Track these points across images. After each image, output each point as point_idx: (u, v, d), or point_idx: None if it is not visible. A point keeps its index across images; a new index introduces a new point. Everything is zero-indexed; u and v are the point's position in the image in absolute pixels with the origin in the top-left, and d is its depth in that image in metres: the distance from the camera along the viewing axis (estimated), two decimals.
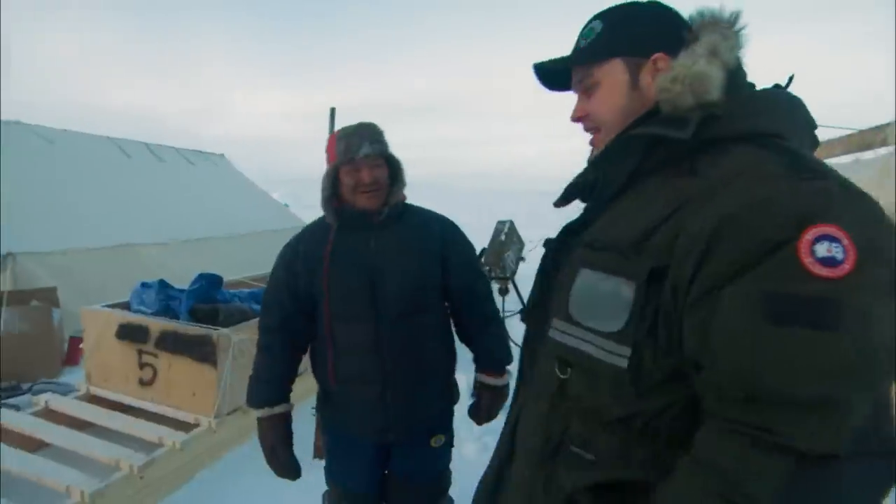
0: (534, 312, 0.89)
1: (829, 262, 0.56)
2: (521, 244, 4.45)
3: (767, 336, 0.57)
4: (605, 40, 0.80)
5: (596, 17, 0.82)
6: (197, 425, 2.57)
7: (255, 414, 1.51)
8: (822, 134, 0.79)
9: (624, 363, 0.68)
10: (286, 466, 1.52)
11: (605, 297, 0.71)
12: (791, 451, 0.57)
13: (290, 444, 1.53)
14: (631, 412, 0.70)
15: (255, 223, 6.39)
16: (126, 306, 2.95)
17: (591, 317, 0.72)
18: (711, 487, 0.61)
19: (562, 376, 0.77)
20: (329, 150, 1.48)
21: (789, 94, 0.75)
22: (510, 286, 4.19)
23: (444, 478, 1.65)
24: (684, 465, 0.65)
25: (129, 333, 2.70)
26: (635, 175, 0.77)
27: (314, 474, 2.62)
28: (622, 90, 0.80)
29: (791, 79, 0.75)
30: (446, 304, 1.60)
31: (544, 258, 0.94)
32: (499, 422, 2.02)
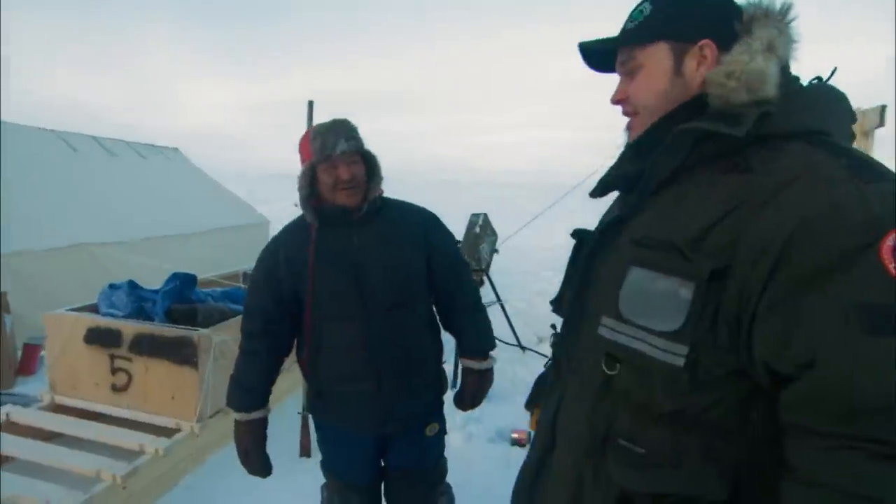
0: (572, 307, 0.89)
1: None
2: (494, 236, 4.51)
3: (868, 348, 0.57)
4: (651, 23, 0.79)
5: (646, 0, 0.81)
6: (178, 430, 2.48)
7: (234, 416, 1.53)
8: None
9: (680, 362, 0.68)
10: (257, 468, 1.57)
11: (660, 296, 0.70)
12: None
13: (263, 448, 1.57)
14: (682, 406, 0.70)
15: (216, 219, 6.17)
16: (93, 309, 2.80)
17: (644, 315, 0.72)
18: None
19: (609, 372, 0.77)
20: (303, 148, 1.46)
21: (833, 88, 0.75)
22: (485, 278, 4.24)
23: (440, 465, 1.68)
24: (795, 489, 0.63)
25: (99, 338, 2.56)
26: (681, 170, 0.76)
27: (301, 473, 2.60)
28: (665, 75, 0.78)
29: (833, 72, 0.76)
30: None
31: (577, 250, 0.94)
32: (481, 410, 2.05)
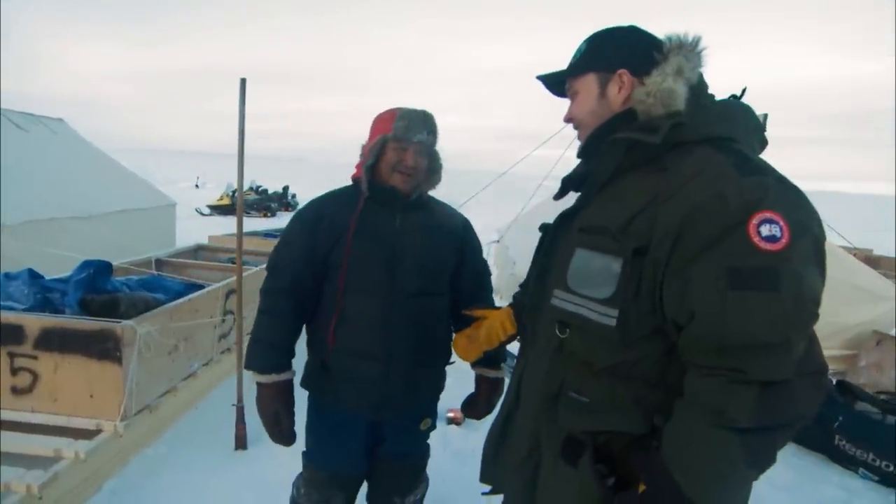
0: (535, 285, 1.06)
1: (771, 239, 0.76)
2: None
3: (731, 299, 0.77)
4: (584, 58, 1.01)
5: (585, 40, 1.03)
6: (99, 431, 2.27)
7: (257, 379, 1.46)
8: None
9: (613, 322, 0.86)
10: (288, 433, 1.51)
11: (597, 270, 0.88)
12: (757, 382, 0.77)
13: (293, 412, 1.52)
14: (616, 361, 0.89)
15: (116, 201, 5.57)
16: None
17: (586, 287, 0.90)
18: (701, 418, 0.80)
19: (561, 336, 0.94)
20: (382, 122, 1.48)
21: (742, 103, 0.95)
22: None
23: (426, 455, 1.73)
24: (679, 407, 0.84)
25: None
26: (617, 171, 0.94)
27: (238, 466, 2.51)
28: (593, 98, 0.99)
29: (744, 91, 0.96)
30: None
31: (542, 240, 1.10)
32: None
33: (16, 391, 2.33)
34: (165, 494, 2.25)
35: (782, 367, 0.77)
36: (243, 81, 2.67)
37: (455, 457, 2.66)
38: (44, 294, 2.42)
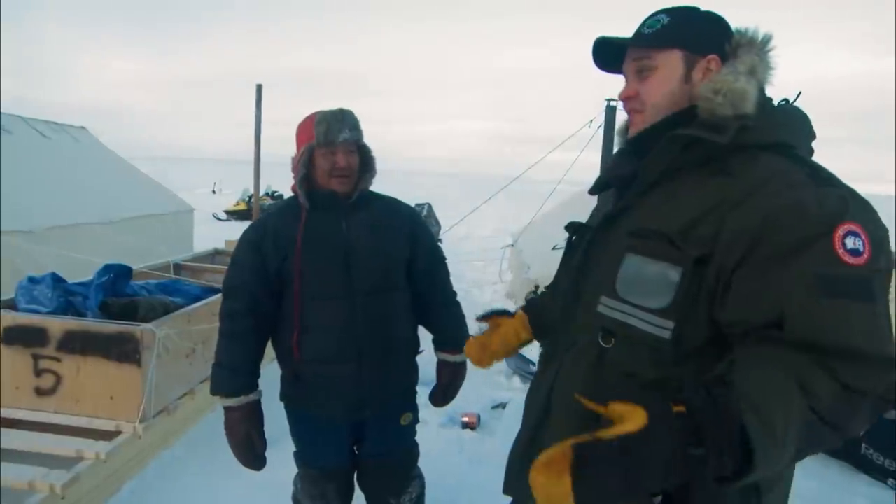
0: (569, 290, 1.00)
1: (854, 252, 0.73)
2: (438, 226, 4.58)
3: (827, 306, 0.72)
4: (670, 31, 0.88)
5: (662, 11, 0.90)
6: (119, 432, 2.30)
7: (226, 403, 1.47)
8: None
9: (667, 335, 0.80)
10: (261, 454, 1.52)
11: (652, 278, 0.82)
12: (840, 381, 0.70)
13: (263, 432, 1.52)
14: (666, 376, 0.82)
15: (136, 207, 5.69)
16: (10, 305, 2.51)
17: (637, 295, 0.84)
18: (790, 377, 0.69)
19: (604, 345, 0.88)
20: (304, 130, 1.49)
21: (800, 109, 0.91)
22: None
23: (413, 452, 1.73)
24: (761, 356, 0.73)
25: (20, 337, 2.31)
26: (668, 171, 0.87)
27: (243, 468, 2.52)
28: (676, 79, 0.88)
29: (798, 95, 0.91)
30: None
31: (573, 241, 1.04)
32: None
33: (39, 392, 2.38)
34: (183, 495, 2.27)
35: (873, 379, 0.71)
36: (259, 87, 2.71)
37: (470, 462, 2.64)
38: (66, 297, 2.47)
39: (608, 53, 0.96)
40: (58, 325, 2.32)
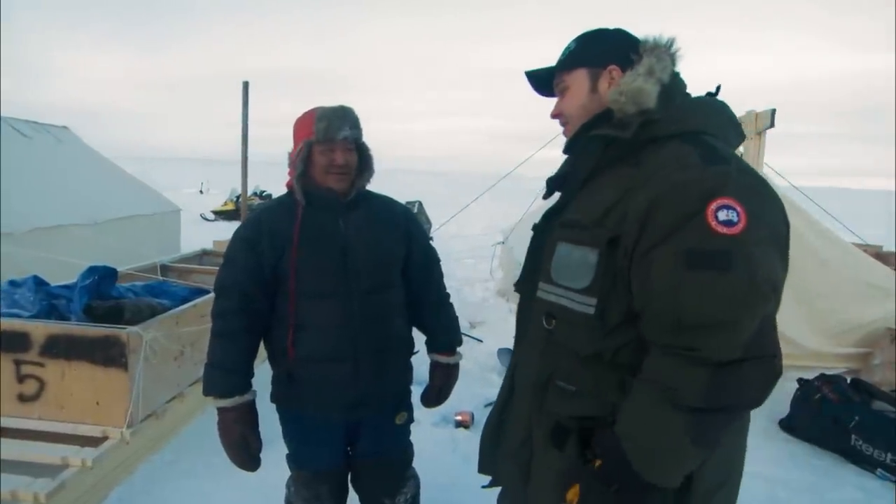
0: (526, 281, 1.11)
1: (727, 223, 0.80)
2: (428, 224, 4.56)
3: (686, 279, 0.82)
4: (575, 55, 1.05)
5: (574, 39, 1.07)
6: (105, 438, 2.26)
7: (220, 404, 1.43)
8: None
9: (592, 311, 0.92)
10: (255, 457, 1.49)
11: (576, 262, 0.94)
12: (709, 362, 0.81)
13: (259, 433, 1.49)
14: (599, 349, 0.93)
15: (121, 207, 5.60)
16: None
17: (566, 278, 0.96)
18: (656, 397, 0.85)
19: (548, 327, 1.00)
20: (302, 126, 1.46)
21: (716, 99, 1.01)
22: None
23: (409, 452, 1.72)
24: (635, 385, 0.89)
25: (1, 342, 2.25)
26: (597, 168, 0.99)
27: (242, 472, 2.49)
28: (584, 93, 1.03)
29: (718, 88, 1.02)
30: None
31: (532, 239, 1.13)
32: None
33: (23, 398, 2.33)
34: (173, 501, 2.24)
35: (730, 345, 0.80)
36: (246, 85, 2.67)
37: (464, 460, 2.63)
38: (49, 301, 2.41)
39: (542, 82, 1.11)
40: (41, 329, 2.26)
